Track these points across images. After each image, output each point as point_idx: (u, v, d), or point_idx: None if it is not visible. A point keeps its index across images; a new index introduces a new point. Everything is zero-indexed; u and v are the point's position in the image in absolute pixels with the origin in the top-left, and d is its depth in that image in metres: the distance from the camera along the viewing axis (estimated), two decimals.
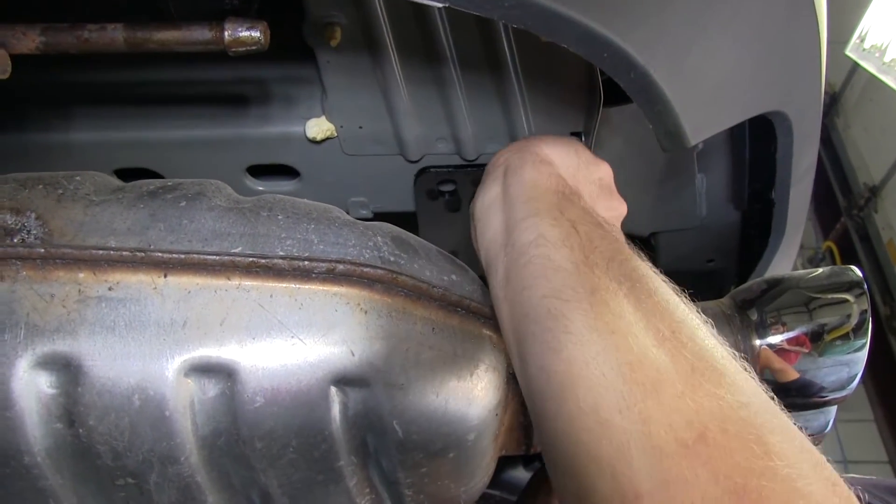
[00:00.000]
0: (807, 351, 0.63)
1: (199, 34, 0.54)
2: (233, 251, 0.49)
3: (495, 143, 0.79)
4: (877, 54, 2.61)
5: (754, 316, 0.65)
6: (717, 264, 1.07)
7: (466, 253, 0.87)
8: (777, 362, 0.64)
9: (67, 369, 0.45)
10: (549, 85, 0.73)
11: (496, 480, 1.02)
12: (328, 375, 0.47)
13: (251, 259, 0.49)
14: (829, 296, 0.64)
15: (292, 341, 0.47)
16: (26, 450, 0.45)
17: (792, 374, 0.64)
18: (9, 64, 0.53)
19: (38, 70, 0.72)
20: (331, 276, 0.50)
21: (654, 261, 0.54)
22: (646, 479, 0.39)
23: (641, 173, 0.92)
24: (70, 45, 0.54)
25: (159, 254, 0.48)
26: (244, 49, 0.54)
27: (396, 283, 0.52)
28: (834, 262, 3.37)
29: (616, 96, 0.74)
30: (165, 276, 0.47)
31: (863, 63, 2.70)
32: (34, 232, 0.48)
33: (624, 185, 0.71)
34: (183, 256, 0.48)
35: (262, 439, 0.47)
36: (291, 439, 0.48)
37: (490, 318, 0.57)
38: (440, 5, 0.44)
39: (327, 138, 0.79)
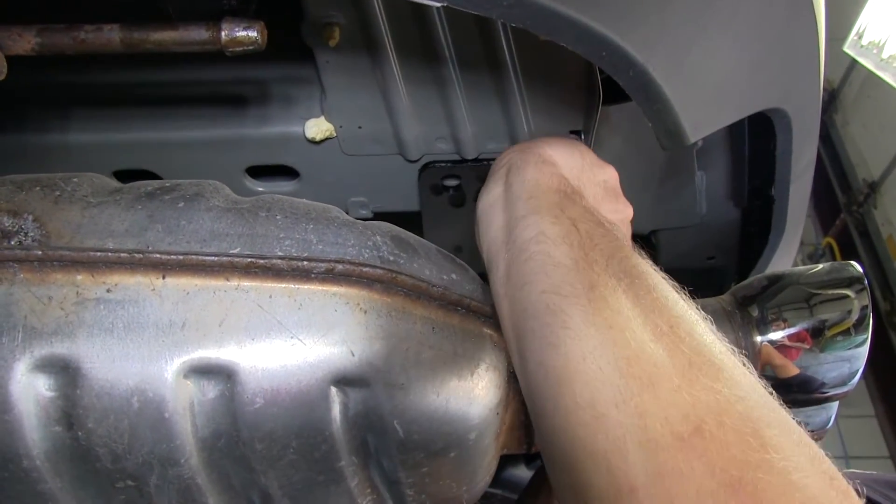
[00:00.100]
0: (808, 347, 0.63)
1: (196, 34, 0.53)
2: (231, 252, 0.49)
3: (495, 143, 0.79)
4: (875, 51, 2.61)
5: (755, 312, 0.65)
6: (718, 261, 1.07)
7: (470, 249, 0.87)
8: (778, 358, 0.64)
9: (66, 372, 0.45)
10: (549, 84, 0.73)
11: (498, 479, 1.02)
12: (328, 376, 0.47)
13: (250, 259, 0.49)
14: (830, 291, 0.64)
15: (292, 342, 0.47)
16: (25, 453, 0.45)
17: (793, 370, 0.64)
18: (4, 65, 0.53)
19: (36, 71, 0.72)
20: (330, 276, 0.49)
21: (655, 258, 0.54)
22: (641, 473, 0.39)
23: (641, 171, 0.92)
24: (66, 45, 0.53)
25: (157, 255, 0.48)
26: (241, 49, 0.54)
27: (396, 283, 0.51)
28: (834, 259, 3.37)
29: (615, 94, 0.74)
30: (164, 278, 0.47)
31: (861, 59, 2.70)
32: (31, 234, 0.48)
33: (624, 184, 0.71)
34: (181, 257, 0.48)
35: (262, 440, 0.47)
36: (292, 440, 0.48)
37: (490, 317, 0.57)
38: (439, 5, 0.44)
39: (327, 138, 0.79)
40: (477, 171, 0.82)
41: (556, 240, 0.51)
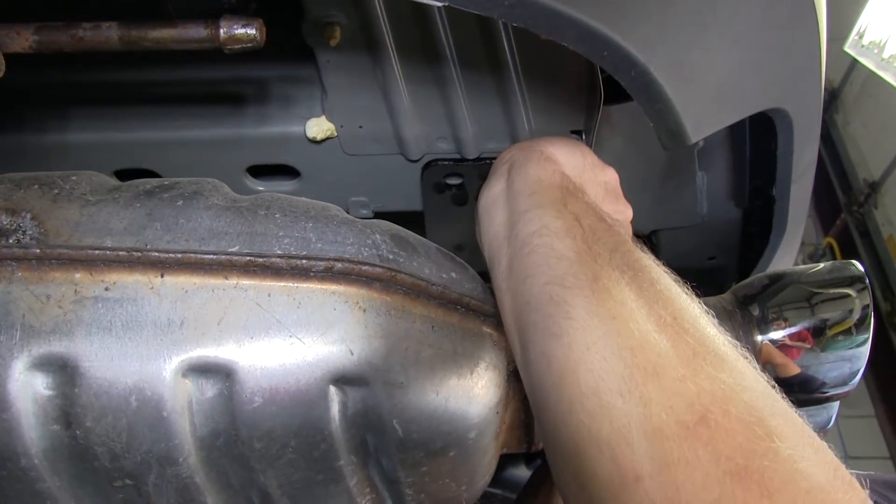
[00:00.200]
0: (809, 346, 0.63)
1: (194, 32, 0.53)
2: (230, 250, 0.49)
3: (496, 142, 0.79)
4: (875, 50, 2.61)
5: (756, 311, 0.65)
6: (719, 261, 1.06)
7: (471, 247, 0.87)
8: (779, 357, 0.64)
9: (64, 370, 0.45)
10: (550, 83, 0.73)
11: (498, 479, 1.02)
12: (327, 374, 0.47)
13: (249, 258, 0.48)
14: (831, 291, 0.64)
15: (291, 340, 0.47)
16: (23, 452, 0.45)
17: (794, 370, 0.64)
18: (3, 64, 0.53)
19: (35, 70, 0.72)
20: (329, 275, 0.49)
21: (656, 258, 0.54)
22: (647, 461, 0.39)
23: (642, 171, 0.92)
24: (64, 43, 0.53)
25: (156, 253, 0.48)
26: (240, 47, 0.53)
27: (395, 281, 0.51)
28: (834, 258, 3.37)
29: (616, 94, 0.74)
30: (162, 276, 0.47)
31: (862, 59, 2.70)
32: (30, 232, 0.47)
33: (625, 184, 0.71)
34: (180, 256, 0.48)
35: (260, 439, 0.47)
36: (290, 439, 0.48)
37: (490, 316, 0.56)
38: (440, 4, 0.44)
39: (327, 138, 0.79)
40: (479, 169, 0.82)
41: (560, 233, 0.51)
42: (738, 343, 0.47)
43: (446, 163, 0.82)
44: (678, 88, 0.55)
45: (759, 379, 0.44)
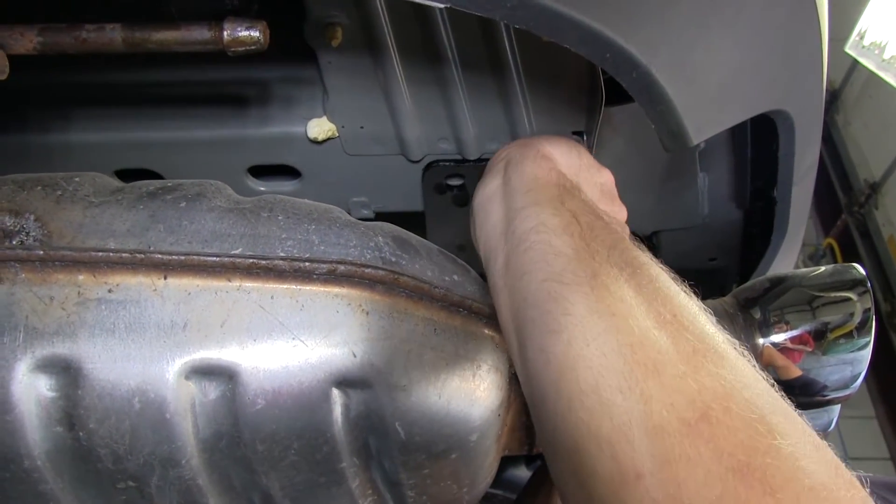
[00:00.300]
0: (810, 349, 0.63)
1: (198, 34, 0.53)
2: (233, 252, 0.49)
3: (497, 143, 0.79)
4: (876, 51, 2.61)
5: (757, 314, 0.65)
6: (720, 263, 1.06)
7: (473, 248, 0.87)
8: (780, 360, 0.64)
9: (67, 372, 0.45)
10: (551, 85, 0.73)
11: (499, 480, 1.02)
12: (330, 377, 0.47)
13: (252, 260, 0.49)
14: (833, 294, 0.64)
15: (293, 343, 0.47)
16: (26, 453, 0.45)
17: (795, 372, 0.64)
18: (6, 65, 0.53)
19: (38, 71, 0.72)
20: (332, 277, 0.49)
21: (654, 257, 0.54)
22: (647, 459, 0.39)
23: (643, 172, 0.92)
24: (68, 45, 0.53)
25: (159, 255, 0.48)
26: (243, 49, 0.54)
27: (398, 284, 0.51)
28: (835, 259, 3.37)
29: (618, 95, 0.74)
30: (165, 278, 0.47)
31: (862, 60, 2.70)
32: (33, 234, 0.47)
33: (625, 185, 0.71)
34: (183, 258, 0.48)
35: (263, 442, 0.47)
36: (293, 441, 0.48)
37: (492, 319, 0.56)
38: (442, 6, 0.44)
39: (329, 138, 0.79)
40: (481, 170, 0.81)
41: (557, 230, 0.51)
42: (736, 342, 0.47)
43: (447, 164, 0.82)
44: (680, 90, 0.55)
45: (758, 377, 0.43)
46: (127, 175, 0.83)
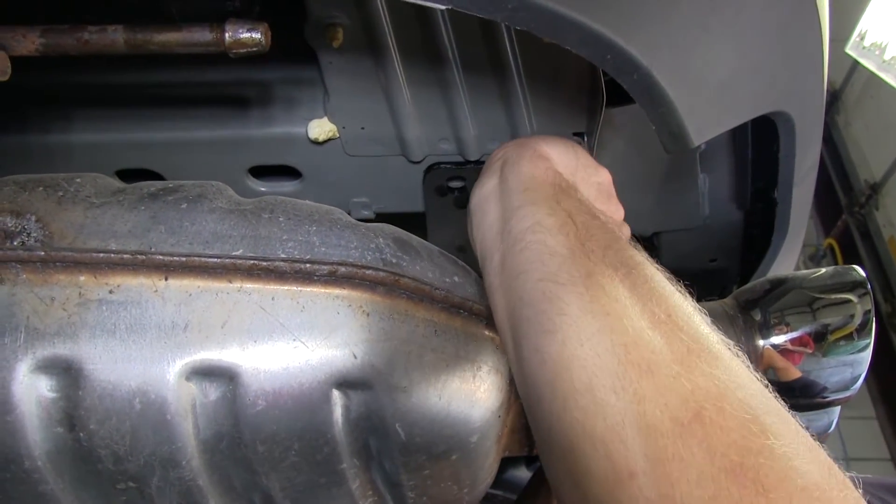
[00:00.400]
0: (810, 351, 0.63)
1: (199, 36, 0.53)
2: (234, 253, 0.49)
3: (497, 144, 0.79)
4: (877, 52, 2.61)
5: (758, 316, 0.65)
6: (720, 264, 1.06)
7: (473, 251, 0.87)
8: (780, 362, 0.64)
9: (68, 373, 0.45)
10: (552, 86, 0.73)
11: (498, 480, 1.02)
12: (330, 378, 0.47)
13: (252, 261, 0.49)
14: (833, 296, 0.64)
15: (294, 344, 0.47)
16: (27, 454, 0.45)
17: (795, 374, 0.64)
18: (9, 66, 0.53)
19: (40, 72, 0.72)
20: (333, 279, 0.49)
21: (657, 260, 0.54)
22: (641, 458, 0.39)
23: (644, 173, 0.92)
24: (70, 46, 0.53)
25: (160, 256, 0.48)
26: (245, 50, 0.54)
27: (398, 286, 0.51)
28: (835, 260, 3.37)
29: (619, 97, 0.74)
30: (166, 279, 0.47)
31: (863, 61, 2.70)
32: (34, 235, 0.48)
33: (626, 186, 0.71)
34: (184, 259, 0.48)
35: (264, 442, 0.47)
36: (293, 442, 0.48)
37: (493, 320, 0.56)
38: (442, 7, 0.44)
39: (329, 139, 0.79)
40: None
41: (553, 230, 0.51)
42: (731, 342, 0.47)
43: (448, 166, 0.82)
44: (681, 92, 0.55)
45: (752, 378, 0.44)
46: (128, 175, 0.83)
